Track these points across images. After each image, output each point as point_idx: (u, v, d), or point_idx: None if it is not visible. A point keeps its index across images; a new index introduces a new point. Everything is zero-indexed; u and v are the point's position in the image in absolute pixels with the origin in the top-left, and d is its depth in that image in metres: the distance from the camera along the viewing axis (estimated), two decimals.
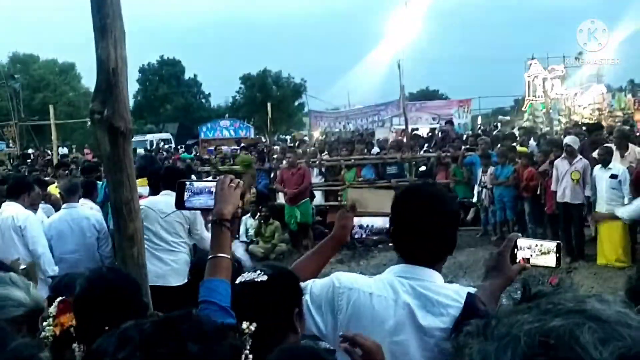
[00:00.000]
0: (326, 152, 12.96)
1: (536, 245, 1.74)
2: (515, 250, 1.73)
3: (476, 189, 10.31)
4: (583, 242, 8.04)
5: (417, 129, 19.25)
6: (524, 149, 10.74)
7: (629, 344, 0.57)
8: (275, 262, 8.12)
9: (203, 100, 48.63)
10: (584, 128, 11.86)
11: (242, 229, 9.92)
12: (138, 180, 6.35)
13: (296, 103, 43.94)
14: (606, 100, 21.78)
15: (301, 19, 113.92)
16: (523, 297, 0.71)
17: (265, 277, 1.62)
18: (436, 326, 1.64)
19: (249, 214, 10.01)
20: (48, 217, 5.69)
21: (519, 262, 1.73)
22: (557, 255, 1.73)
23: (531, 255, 1.73)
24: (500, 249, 1.75)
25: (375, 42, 31.33)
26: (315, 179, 11.60)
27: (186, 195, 1.83)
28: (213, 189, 1.79)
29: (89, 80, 46.33)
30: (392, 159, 11.41)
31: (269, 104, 18.66)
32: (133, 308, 1.65)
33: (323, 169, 11.88)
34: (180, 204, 1.87)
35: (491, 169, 9.68)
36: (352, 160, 11.61)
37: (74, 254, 5.21)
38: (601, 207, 7.43)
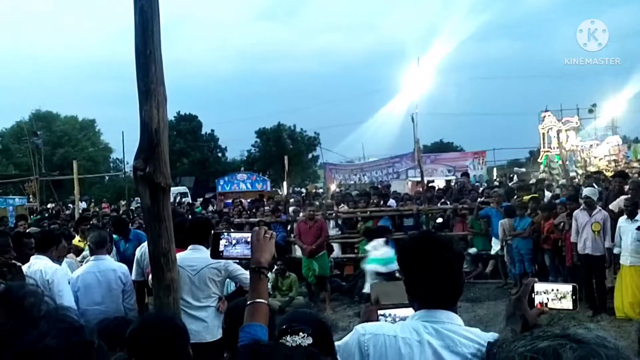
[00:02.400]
0: (343, 205, 13.02)
1: (552, 290, 1.81)
2: (533, 294, 1.79)
3: (493, 240, 10.29)
4: (605, 295, 7.91)
5: (432, 181, 19.36)
6: (531, 195, 10.76)
7: None
8: (302, 310, 8.11)
9: (219, 155, 49.40)
10: (607, 175, 11.80)
11: None
12: None
13: (310, 156, 44.51)
14: (622, 151, 21.81)
15: (314, 73, 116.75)
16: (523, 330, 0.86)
17: (310, 340, 1.70)
18: None
19: None
20: (71, 269, 5.79)
21: (537, 306, 1.79)
22: (574, 297, 1.79)
23: (548, 299, 1.79)
24: (518, 294, 1.82)
25: (390, 96, 32.00)
26: (332, 231, 11.64)
27: (222, 245, 1.94)
28: (249, 239, 1.91)
29: (108, 135, 47.50)
30: (408, 210, 11.46)
31: (285, 157, 18.91)
32: (180, 356, 1.73)
33: (339, 221, 11.93)
34: (216, 254, 1.98)
35: (506, 221, 9.70)
36: (369, 212, 11.67)
37: (99, 305, 5.27)
38: (626, 259, 7.35)
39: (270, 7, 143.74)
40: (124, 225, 8.22)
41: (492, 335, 1.77)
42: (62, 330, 0.81)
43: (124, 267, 5.70)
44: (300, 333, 1.71)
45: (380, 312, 2.25)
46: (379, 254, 7.70)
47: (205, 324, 4.57)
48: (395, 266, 7.24)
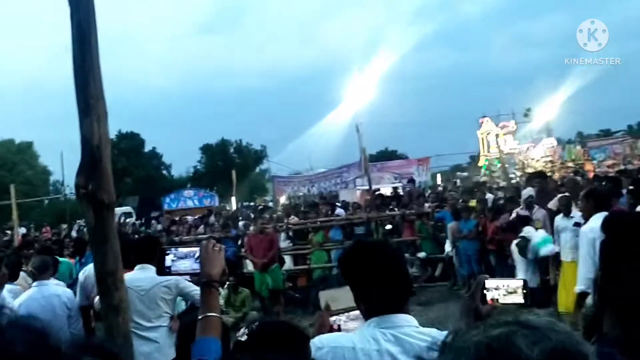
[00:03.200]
0: (293, 217, 13.02)
1: (503, 285, 1.85)
2: (485, 291, 1.83)
3: (447, 243, 10.52)
4: (549, 291, 8.21)
5: (378, 189, 19.63)
6: (474, 203, 11.05)
7: (555, 344, 0.73)
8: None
9: (164, 172, 48.44)
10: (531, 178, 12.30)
11: None
12: None
13: (257, 169, 44.33)
14: (557, 152, 22.82)
15: (257, 86, 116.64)
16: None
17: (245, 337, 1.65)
18: None
19: None
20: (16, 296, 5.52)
21: (489, 302, 1.83)
22: (524, 291, 1.84)
23: (499, 295, 1.84)
24: (471, 292, 1.86)
25: (334, 107, 32.26)
26: (283, 243, 11.60)
27: (169, 260, 1.90)
28: (197, 254, 1.88)
29: (46, 158, 45.74)
30: (358, 219, 11.57)
31: (233, 172, 18.76)
32: None
33: (290, 233, 11.91)
34: (162, 270, 1.93)
35: (454, 224, 9.97)
36: (319, 223, 11.71)
37: None
38: (566, 255, 7.62)
39: (210, 20, 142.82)
40: (49, 251, 8.00)
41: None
42: (28, 337, 0.80)
43: (69, 291, 5.48)
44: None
45: (332, 318, 2.26)
46: (541, 235, 7.52)
47: (157, 345, 4.43)
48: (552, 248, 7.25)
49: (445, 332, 1.83)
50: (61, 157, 30.75)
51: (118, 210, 32.51)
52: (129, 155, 45.03)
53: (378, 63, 25.40)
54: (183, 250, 1.94)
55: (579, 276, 4.96)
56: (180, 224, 16.35)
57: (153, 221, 22.98)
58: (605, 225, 4.16)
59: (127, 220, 26.05)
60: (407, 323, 1.84)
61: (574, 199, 7.67)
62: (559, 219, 7.61)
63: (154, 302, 4.50)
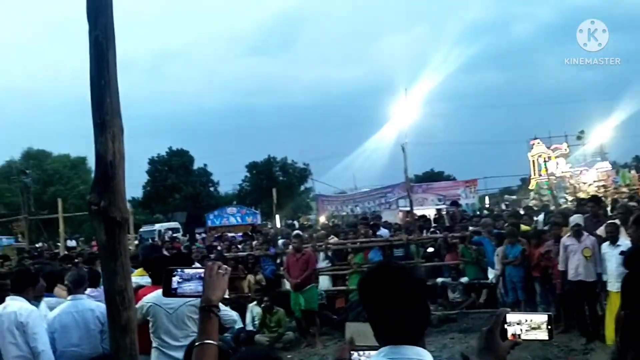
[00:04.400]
0: (332, 236, 12.90)
1: (526, 320, 1.71)
2: (505, 326, 1.70)
3: (489, 270, 10.18)
4: (597, 322, 7.79)
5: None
6: (526, 227, 10.69)
7: None
8: (254, 348, 7.95)
9: (212, 189, 49.30)
10: (583, 203, 11.86)
11: (248, 317, 9.72)
12: (137, 270, 6.31)
13: (302, 187, 44.50)
14: (610, 176, 21.91)
15: (305, 105, 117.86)
16: None
17: None
18: None
19: (254, 302, 9.84)
20: (51, 309, 5.62)
21: (510, 338, 1.70)
22: (549, 327, 1.70)
23: (522, 330, 1.70)
24: (490, 326, 1.72)
25: (380, 126, 32.18)
26: (322, 263, 11.50)
27: (175, 282, 1.84)
28: (203, 275, 1.82)
29: None
30: (398, 240, 11.36)
31: (274, 190, 18.91)
32: None
33: (330, 253, 11.79)
34: (168, 292, 1.87)
35: (500, 249, 9.62)
36: (358, 244, 11.56)
37: (76, 347, 5.09)
38: (612, 285, 7.25)
39: (261, 41, 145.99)
40: (96, 260, 8.16)
41: None
42: None
43: (102, 306, 5.50)
44: None
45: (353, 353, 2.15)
46: None
47: None
48: None
49: None
50: None
51: (165, 225, 33.32)
52: (179, 172, 46.14)
53: (425, 83, 25.26)
54: (189, 271, 1.87)
55: None
56: (222, 241, 16.51)
57: (197, 236, 23.36)
58: (627, 260, 3.84)
59: (174, 235, 26.58)
60: (418, 356, 1.71)
61: (625, 225, 7.30)
62: (605, 247, 7.28)
63: (182, 321, 4.47)
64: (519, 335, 1.70)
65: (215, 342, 1.70)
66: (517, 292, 9.29)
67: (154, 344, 4.58)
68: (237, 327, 8.88)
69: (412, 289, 1.73)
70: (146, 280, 5.44)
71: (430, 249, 11.55)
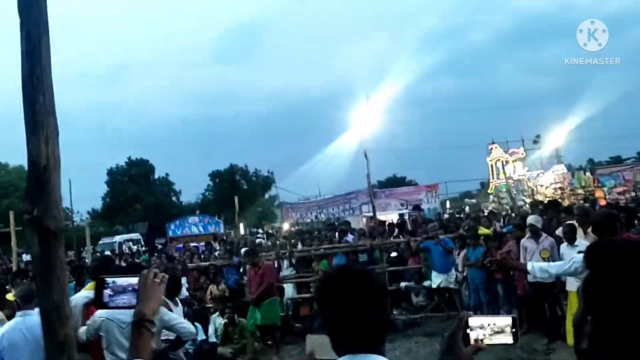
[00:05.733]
0: (299, 244, 12.76)
1: (489, 324, 1.62)
2: (468, 330, 1.61)
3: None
4: (558, 322, 7.88)
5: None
6: (486, 230, 10.80)
7: None
8: None
9: (174, 199, 48.44)
10: (540, 207, 12.11)
11: (210, 329, 9.45)
12: (89, 284, 6.06)
13: (267, 195, 44.17)
14: (567, 179, 22.49)
15: (268, 113, 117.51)
16: None
17: None
18: None
19: (217, 313, 9.58)
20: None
21: (472, 343, 1.61)
22: (514, 330, 1.61)
23: (485, 335, 1.61)
24: (451, 331, 1.63)
25: (341, 133, 32.27)
26: (286, 271, 11.35)
27: (107, 295, 1.68)
28: (137, 286, 1.66)
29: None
30: (362, 246, 11.31)
31: (236, 198, 18.65)
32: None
33: (294, 260, 11.64)
34: (100, 304, 1.71)
35: (463, 252, 9.68)
36: (322, 250, 11.46)
37: None
38: (571, 284, 7.34)
39: (223, 49, 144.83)
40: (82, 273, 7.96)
41: None
42: None
43: None
44: None
45: None
46: None
47: None
48: None
49: None
50: (69, 183, 30.73)
51: (125, 236, 32.50)
52: (139, 182, 45.18)
53: (386, 90, 25.47)
54: (121, 281, 1.69)
55: None
56: (185, 251, 16.16)
57: (158, 246, 22.83)
58: (587, 259, 3.82)
59: (134, 247, 25.94)
60: None
61: (583, 227, 7.42)
62: (564, 247, 7.37)
63: None
64: (482, 340, 1.62)
65: None
66: (480, 294, 9.36)
67: None
68: (199, 338, 8.62)
69: (372, 293, 1.63)
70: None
71: (394, 254, 11.54)
